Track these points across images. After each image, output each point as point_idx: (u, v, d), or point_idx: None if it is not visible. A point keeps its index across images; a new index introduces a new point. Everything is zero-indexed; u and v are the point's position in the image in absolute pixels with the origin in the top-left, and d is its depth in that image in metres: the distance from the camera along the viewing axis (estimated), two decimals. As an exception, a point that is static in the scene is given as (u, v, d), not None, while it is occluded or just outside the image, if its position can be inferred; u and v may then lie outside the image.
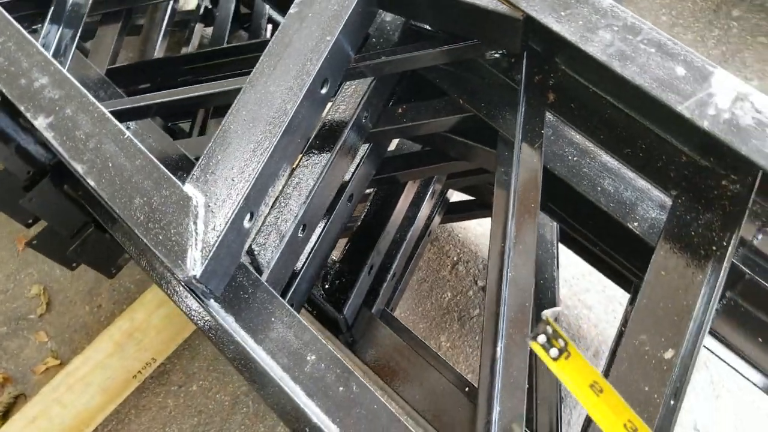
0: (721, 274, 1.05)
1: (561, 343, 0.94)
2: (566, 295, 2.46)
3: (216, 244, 1.05)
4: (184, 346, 2.42)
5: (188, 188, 1.10)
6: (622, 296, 2.47)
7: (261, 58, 1.18)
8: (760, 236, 1.17)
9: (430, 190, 1.87)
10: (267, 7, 2.49)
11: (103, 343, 2.24)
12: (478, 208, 2.20)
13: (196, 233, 1.06)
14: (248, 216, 1.12)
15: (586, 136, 1.26)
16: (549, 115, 1.29)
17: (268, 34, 2.53)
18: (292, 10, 1.21)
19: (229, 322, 1.13)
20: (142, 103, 1.33)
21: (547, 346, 0.94)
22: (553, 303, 1.68)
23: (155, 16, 2.01)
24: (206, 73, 1.84)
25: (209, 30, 2.94)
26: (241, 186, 1.09)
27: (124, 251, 1.92)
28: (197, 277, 1.04)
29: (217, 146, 1.13)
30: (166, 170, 1.11)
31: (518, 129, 1.24)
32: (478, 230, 2.65)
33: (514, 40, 1.21)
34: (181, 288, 1.26)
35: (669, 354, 1.05)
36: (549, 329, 0.94)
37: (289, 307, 1.14)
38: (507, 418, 1.10)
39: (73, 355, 2.41)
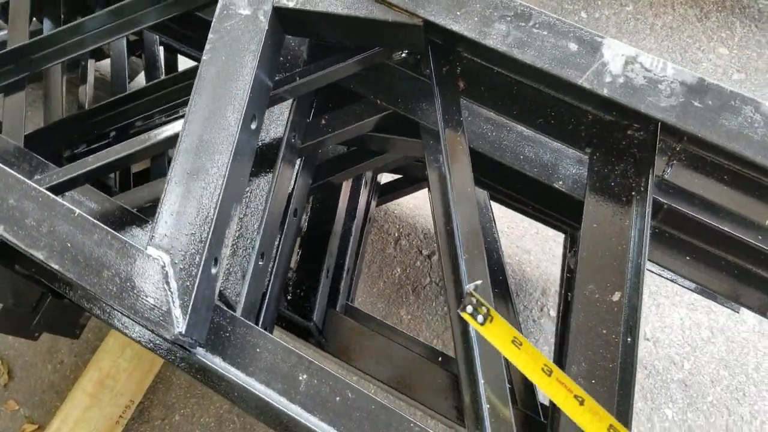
0: (647, 214, 1.17)
1: (485, 310, 1.09)
2: (505, 244, 2.61)
3: (192, 298, 1.11)
4: (157, 380, 2.45)
5: (151, 251, 1.14)
6: (555, 235, 2.64)
7: (188, 107, 1.22)
8: (669, 170, 1.30)
9: (363, 180, 1.95)
10: (156, 31, 2.47)
11: (77, 398, 2.25)
12: (408, 184, 2.30)
13: (171, 292, 1.11)
14: (213, 262, 1.17)
15: (500, 114, 1.37)
16: (463, 100, 1.38)
17: (162, 58, 2.52)
18: (204, 56, 1.25)
19: (217, 363, 1.20)
20: (77, 173, 1.35)
21: (475, 314, 1.09)
22: (500, 263, 1.80)
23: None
24: (130, 116, 1.85)
25: (100, 64, 2.90)
26: (201, 236, 1.14)
27: (84, 312, 1.94)
28: (183, 333, 1.09)
29: (167, 204, 1.17)
30: (125, 238, 1.15)
31: (439, 119, 1.33)
32: (411, 204, 2.75)
33: (417, 42, 1.29)
34: (163, 341, 1.31)
35: (616, 296, 1.18)
36: (473, 300, 1.09)
37: (269, 335, 1.21)
38: (491, 382, 1.21)
39: (49, 416, 2.40)
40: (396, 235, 2.70)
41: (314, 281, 1.71)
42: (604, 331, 1.17)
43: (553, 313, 2.51)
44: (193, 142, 1.19)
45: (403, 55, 1.41)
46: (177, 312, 1.10)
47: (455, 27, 1.18)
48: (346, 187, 1.83)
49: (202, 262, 1.13)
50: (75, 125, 1.82)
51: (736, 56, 2.93)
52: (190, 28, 1.86)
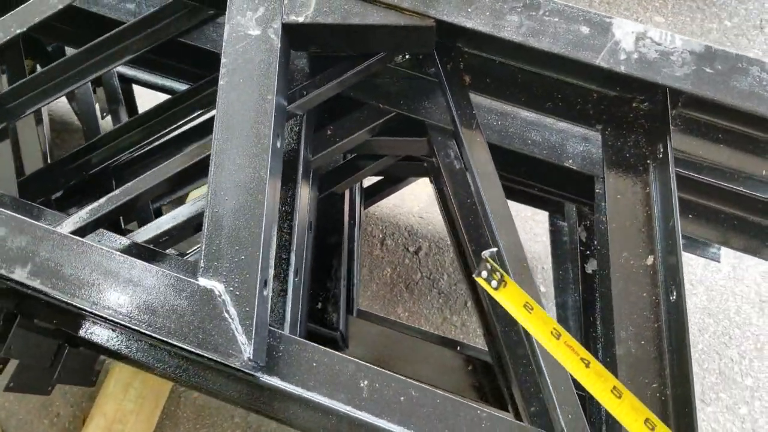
0: (671, 180, 1.23)
1: (498, 275, 1.14)
2: (485, 229, 2.66)
3: (254, 322, 1.11)
4: (163, 417, 2.39)
5: (204, 281, 1.13)
6: (533, 213, 2.71)
7: (214, 134, 1.21)
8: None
9: (356, 185, 1.97)
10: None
11: (85, 448, 2.18)
12: (391, 184, 2.32)
13: (232, 319, 1.11)
14: (264, 284, 1.17)
15: (508, 103, 1.41)
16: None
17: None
18: (221, 81, 1.24)
19: (277, 383, 1.19)
20: (100, 214, 1.32)
21: (489, 279, 1.14)
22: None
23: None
24: (111, 156, 1.81)
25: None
26: (252, 260, 1.14)
27: (98, 356, 1.89)
28: (251, 358, 1.09)
29: (211, 233, 1.16)
30: (174, 273, 1.14)
31: (454, 115, 1.37)
32: (389, 204, 2.78)
33: (427, 43, 1.32)
34: (212, 375, 1.30)
35: (650, 260, 1.24)
36: (488, 266, 1.14)
37: (323, 347, 1.21)
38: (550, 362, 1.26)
39: (55, 472, 2.31)
40: (380, 236, 2.73)
41: (332, 291, 1.71)
42: (644, 294, 1.24)
43: (543, 289, 2.59)
44: (226, 168, 1.19)
45: (407, 57, 1.44)
46: (242, 338, 1.10)
47: (469, 24, 1.22)
48: (346, 196, 1.84)
49: (257, 286, 1.13)
50: (59, 171, 1.77)
51: (672, 23, 3.10)
52: (170, 57, 1.83)
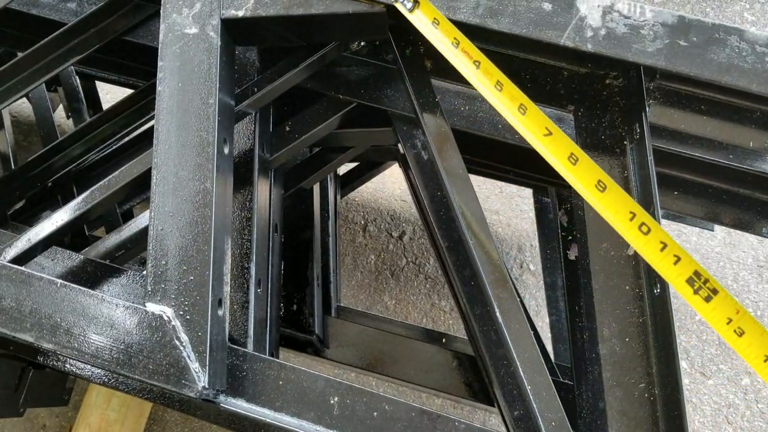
0: (649, 162, 1.15)
1: None
2: (471, 208, 2.58)
3: (208, 347, 1.03)
4: (151, 422, 2.34)
5: (152, 307, 1.06)
6: (519, 191, 2.63)
7: (154, 144, 1.12)
8: (648, 111, 1.28)
9: (328, 177, 1.88)
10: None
11: (71, 461, 2.13)
12: (368, 170, 2.23)
13: (183, 346, 1.03)
14: (218, 303, 1.09)
15: (472, 87, 1.31)
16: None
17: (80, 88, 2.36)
18: (159, 86, 1.15)
19: (241, 405, 1.12)
20: (42, 236, 1.24)
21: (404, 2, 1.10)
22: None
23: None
24: (69, 163, 1.72)
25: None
26: (202, 279, 1.06)
27: (68, 376, 1.82)
28: (206, 386, 1.02)
29: (156, 254, 1.08)
30: (118, 300, 1.06)
31: (414, 103, 1.27)
32: (369, 189, 2.69)
33: (379, 30, 1.22)
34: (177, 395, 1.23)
35: (632, 250, 1.16)
36: None
37: (289, 364, 1.14)
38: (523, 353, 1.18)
39: (44, 485, 2.26)
40: (362, 222, 2.65)
41: (306, 293, 1.64)
42: (627, 287, 1.16)
43: (533, 267, 2.51)
44: (169, 182, 1.10)
45: (362, 44, 1.34)
46: (195, 366, 1.03)
47: (421, 8, 1.12)
48: (316, 189, 1.76)
49: (209, 307, 1.05)
50: (16, 183, 1.68)
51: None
52: (116, 55, 1.73)
